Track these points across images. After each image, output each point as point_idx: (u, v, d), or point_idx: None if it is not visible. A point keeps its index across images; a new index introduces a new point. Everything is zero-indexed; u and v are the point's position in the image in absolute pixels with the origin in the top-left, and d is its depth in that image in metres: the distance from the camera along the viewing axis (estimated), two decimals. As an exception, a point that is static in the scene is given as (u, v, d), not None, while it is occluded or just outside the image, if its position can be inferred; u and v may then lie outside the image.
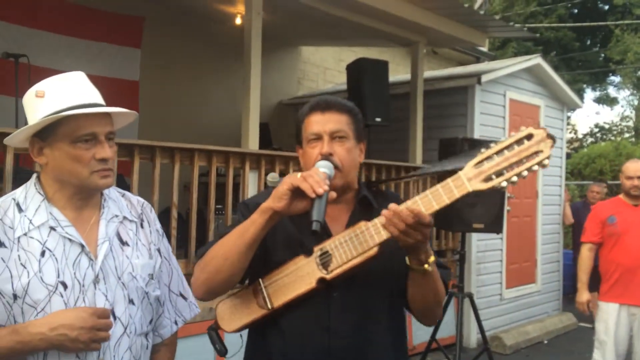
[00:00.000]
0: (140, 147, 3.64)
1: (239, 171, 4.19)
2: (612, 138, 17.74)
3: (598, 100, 21.86)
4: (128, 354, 1.40)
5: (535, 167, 1.26)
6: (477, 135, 5.80)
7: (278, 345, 1.50)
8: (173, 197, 3.79)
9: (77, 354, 1.32)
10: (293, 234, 1.51)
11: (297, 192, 1.34)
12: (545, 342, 6.35)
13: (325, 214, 1.33)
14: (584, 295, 3.89)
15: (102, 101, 1.41)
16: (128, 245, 1.45)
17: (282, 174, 4.34)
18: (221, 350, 1.61)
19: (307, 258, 1.44)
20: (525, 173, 1.26)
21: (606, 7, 20.48)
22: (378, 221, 1.38)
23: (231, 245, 1.41)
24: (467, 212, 4.31)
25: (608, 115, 37.99)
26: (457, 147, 4.72)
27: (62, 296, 1.32)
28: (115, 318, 1.38)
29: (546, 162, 1.26)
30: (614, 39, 18.69)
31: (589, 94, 21.71)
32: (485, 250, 6.05)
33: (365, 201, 1.57)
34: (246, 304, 1.51)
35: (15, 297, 1.30)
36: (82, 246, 1.37)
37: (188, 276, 1.62)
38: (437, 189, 1.33)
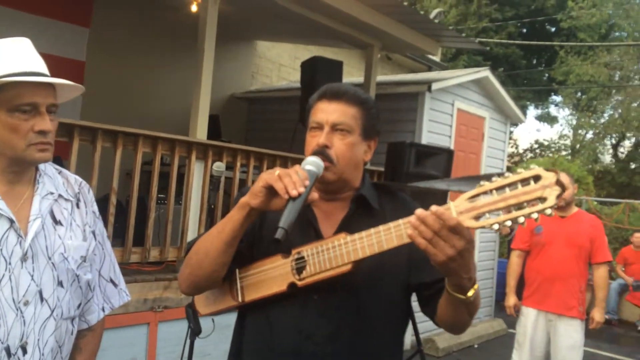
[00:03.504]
0: (81, 128, 3.49)
1: (184, 161, 4.11)
2: (550, 155, 18.53)
3: (539, 118, 22.84)
4: (52, 338, 1.34)
5: (535, 215, 1.12)
6: (424, 141, 5.92)
7: (250, 339, 1.45)
8: (113, 182, 3.66)
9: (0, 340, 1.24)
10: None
11: (273, 190, 1.25)
12: (476, 346, 6.57)
13: (296, 218, 1.22)
14: (511, 299, 4.11)
15: (46, 71, 1.34)
16: (62, 224, 1.39)
17: (229, 167, 4.29)
18: (195, 329, 1.60)
19: (284, 259, 1.37)
20: (521, 220, 1.12)
21: (553, 29, 21.42)
22: (365, 235, 1.27)
23: (212, 241, 1.34)
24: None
25: (548, 133, 39.82)
26: (404, 151, 4.81)
27: None
28: (42, 300, 1.31)
29: (548, 211, 1.10)
30: (559, 60, 19.58)
31: (532, 111, 22.64)
32: (425, 255, 6.16)
33: (362, 200, 1.44)
34: (221, 291, 1.45)
35: None
36: (12, 221, 1.30)
37: (122, 265, 1.57)
38: None
